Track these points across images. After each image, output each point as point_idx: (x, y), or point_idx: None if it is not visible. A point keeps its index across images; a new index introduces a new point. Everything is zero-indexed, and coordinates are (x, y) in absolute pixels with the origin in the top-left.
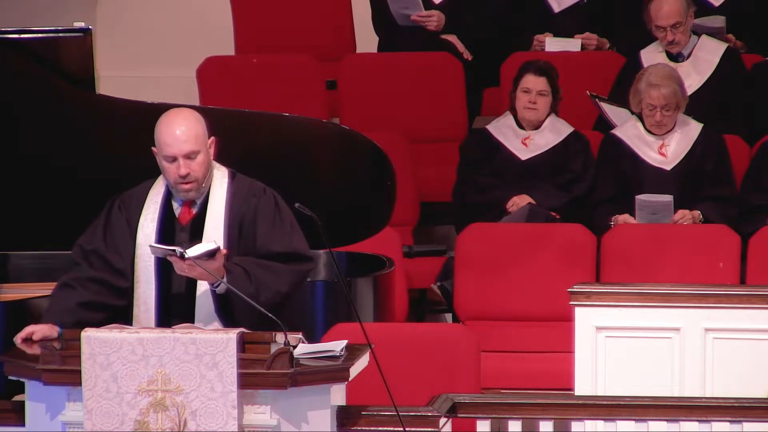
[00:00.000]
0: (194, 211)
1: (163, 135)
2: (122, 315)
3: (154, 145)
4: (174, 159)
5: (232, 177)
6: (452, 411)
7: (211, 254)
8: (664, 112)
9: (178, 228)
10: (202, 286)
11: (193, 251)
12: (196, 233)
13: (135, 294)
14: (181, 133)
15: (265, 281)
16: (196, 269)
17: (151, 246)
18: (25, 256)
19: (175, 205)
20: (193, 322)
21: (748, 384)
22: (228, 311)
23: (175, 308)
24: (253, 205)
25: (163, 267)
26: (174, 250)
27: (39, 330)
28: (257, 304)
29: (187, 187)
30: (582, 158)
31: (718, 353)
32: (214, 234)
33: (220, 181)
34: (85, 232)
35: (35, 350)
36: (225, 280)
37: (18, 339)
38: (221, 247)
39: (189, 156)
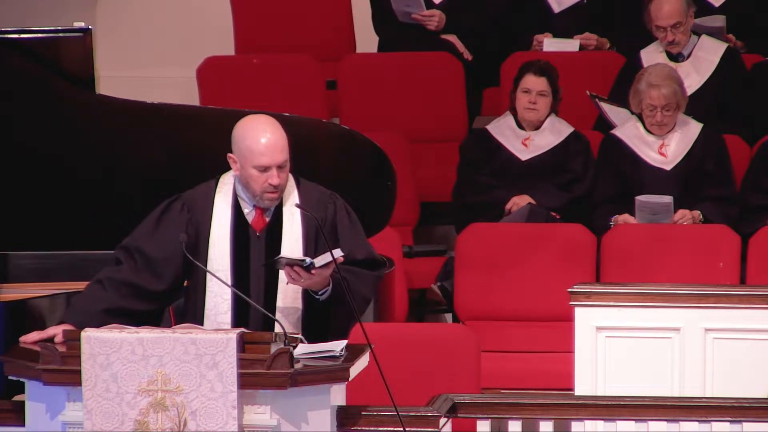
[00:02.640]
0: (267, 218)
1: (254, 143)
2: (147, 319)
3: (231, 151)
4: (266, 168)
5: (298, 182)
6: (452, 411)
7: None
8: (665, 112)
9: (253, 235)
10: (285, 293)
11: (319, 261)
12: (272, 241)
13: (206, 298)
14: (272, 143)
15: (357, 288)
16: (313, 278)
17: (279, 257)
18: (25, 256)
19: (246, 211)
20: (272, 326)
21: (748, 384)
22: (323, 317)
23: (253, 314)
24: (331, 211)
25: (239, 273)
26: (303, 261)
27: (61, 333)
28: (348, 310)
29: (274, 196)
30: (582, 158)
31: (718, 353)
32: (293, 241)
33: (290, 187)
34: (130, 234)
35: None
36: (330, 287)
37: (34, 338)
38: (340, 255)
39: (281, 165)
